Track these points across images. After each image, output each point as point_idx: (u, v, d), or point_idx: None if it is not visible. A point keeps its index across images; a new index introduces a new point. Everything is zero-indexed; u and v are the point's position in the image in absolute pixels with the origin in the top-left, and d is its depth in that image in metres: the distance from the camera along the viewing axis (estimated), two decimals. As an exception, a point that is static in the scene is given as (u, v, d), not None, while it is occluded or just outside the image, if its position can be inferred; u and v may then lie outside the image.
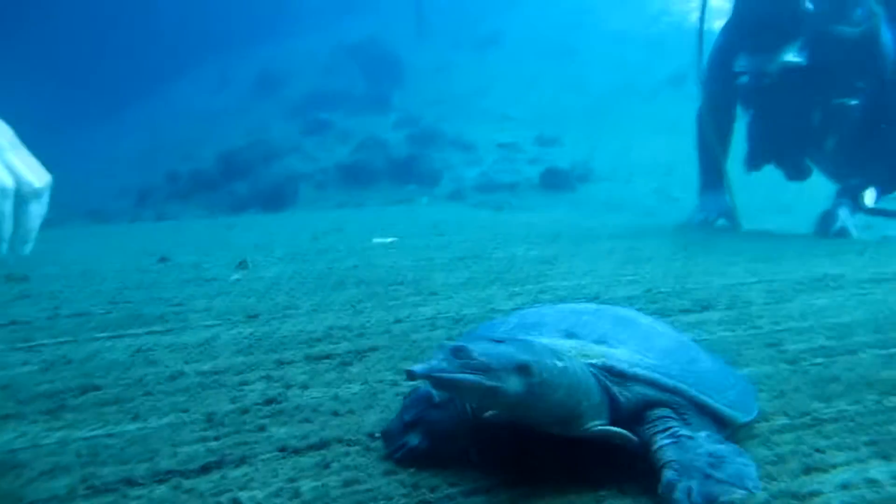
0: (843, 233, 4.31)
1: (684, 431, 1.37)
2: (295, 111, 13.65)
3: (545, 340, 1.44)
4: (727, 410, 1.48)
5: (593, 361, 1.41)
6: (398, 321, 2.50)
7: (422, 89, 14.10)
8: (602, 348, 1.46)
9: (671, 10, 17.70)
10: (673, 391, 1.42)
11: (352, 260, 3.82)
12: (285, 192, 9.62)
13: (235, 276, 3.43)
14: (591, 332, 1.51)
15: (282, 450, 1.50)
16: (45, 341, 2.37)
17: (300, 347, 2.21)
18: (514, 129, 11.79)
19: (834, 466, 1.44)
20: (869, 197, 4.32)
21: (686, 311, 2.59)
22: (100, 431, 1.62)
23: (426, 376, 1.19)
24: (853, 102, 4.25)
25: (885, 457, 1.49)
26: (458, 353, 1.22)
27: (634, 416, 1.40)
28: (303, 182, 10.04)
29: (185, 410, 1.73)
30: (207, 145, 12.38)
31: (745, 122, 4.87)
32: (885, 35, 4.13)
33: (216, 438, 1.56)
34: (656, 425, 1.38)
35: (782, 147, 4.75)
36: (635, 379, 1.41)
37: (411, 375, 1.18)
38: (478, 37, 17.15)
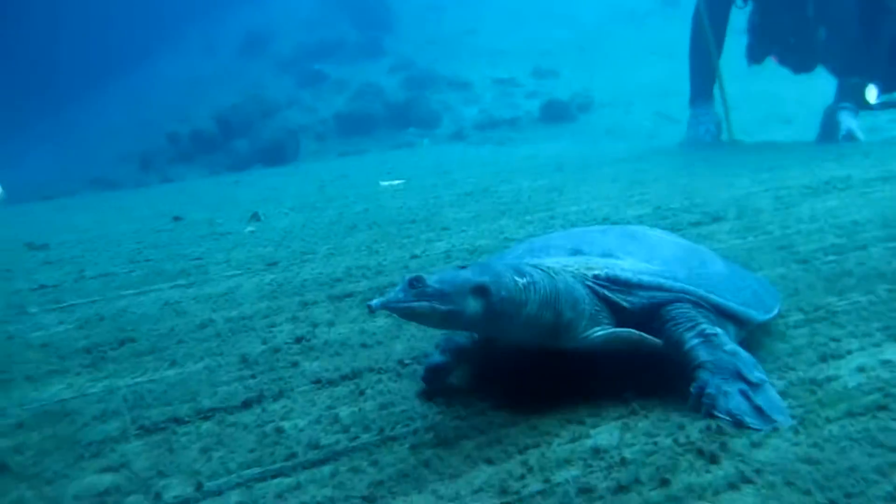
0: (849, 136, 4.29)
1: (710, 329, 1.42)
2: (287, 66, 13.51)
3: (550, 261, 1.50)
4: (740, 308, 1.52)
5: (597, 273, 1.47)
6: (414, 257, 2.55)
7: (413, 32, 13.93)
8: (607, 261, 1.52)
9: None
10: (681, 292, 1.47)
11: (361, 204, 3.86)
12: (286, 145, 9.60)
13: (249, 229, 3.47)
14: (596, 248, 1.57)
15: (316, 382, 1.56)
16: (75, 301, 2.43)
17: (322, 289, 2.27)
18: (509, 65, 11.67)
19: (849, 352, 1.49)
20: (871, 94, 4.29)
21: (696, 224, 2.63)
22: (141, 378, 1.69)
23: (384, 308, 1.25)
24: None
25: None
26: (414, 283, 1.28)
27: (648, 318, 1.45)
28: (303, 134, 10.01)
29: (219, 354, 1.79)
30: (202, 107, 12.31)
31: (744, 17, 4.86)
32: None
33: (252, 377, 1.62)
34: (681, 323, 1.43)
35: (783, 36, 4.74)
36: (640, 286, 1.47)
37: (370, 309, 1.25)
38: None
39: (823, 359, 1.48)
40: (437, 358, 1.52)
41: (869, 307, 1.72)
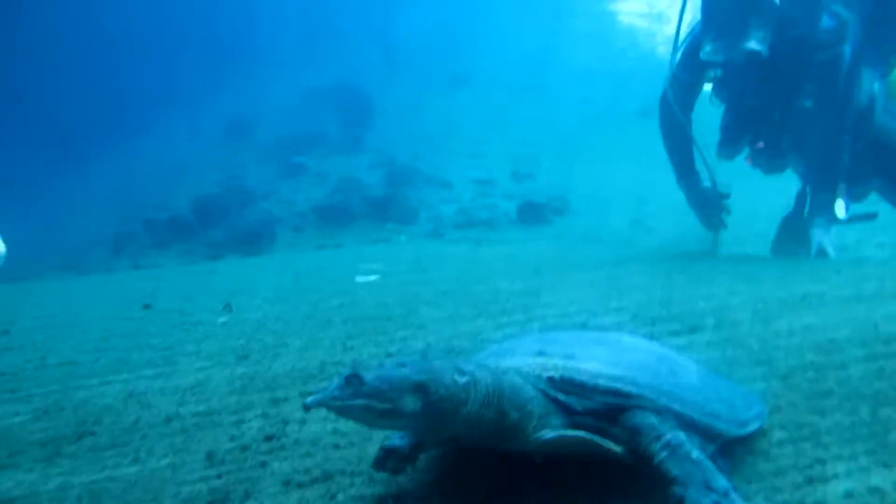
0: (821, 253, 4.35)
1: (674, 439, 1.39)
2: (268, 156, 13.65)
3: (510, 362, 1.49)
4: (705, 419, 1.48)
5: (551, 374, 1.46)
6: (389, 355, 2.50)
7: (395, 129, 14.21)
8: (567, 362, 1.49)
9: (638, 45, 18.05)
10: (638, 397, 1.44)
11: (336, 299, 3.81)
12: (262, 235, 9.58)
13: (222, 320, 3.40)
14: (560, 350, 1.55)
15: (286, 483, 1.49)
16: (34, 391, 2.34)
17: (294, 384, 2.20)
18: (488, 166, 11.89)
19: (836, 476, 1.46)
20: (840, 209, 4.38)
21: (675, 334, 2.62)
22: (99, 475, 1.60)
23: (319, 405, 1.25)
24: (807, 104, 4.35)
25: (887, 465, 1.51)
26: (350, 380, 1.28)
27: (608, 423, 1.42)
28: (280, 225, 10.02)
29: (185, 451, 1.71)
30: (181, 193, 12.31)
31: (718, 113, 4.97)
32: (846, 48, 4.24)
33: (218, 476, 1.55)
34: (644, 434, 1.40)
35: (752, 139, 4.83)
36: (595, 389, 1.44)
37: (305, 408, 1.26)
38: (447, 76, 17.34)
39: (810, 482, 1.44)
40: (395, 441, 1.47)
41: (853, 429, 1.70)
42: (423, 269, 4.91)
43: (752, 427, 1.59)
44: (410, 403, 1.27)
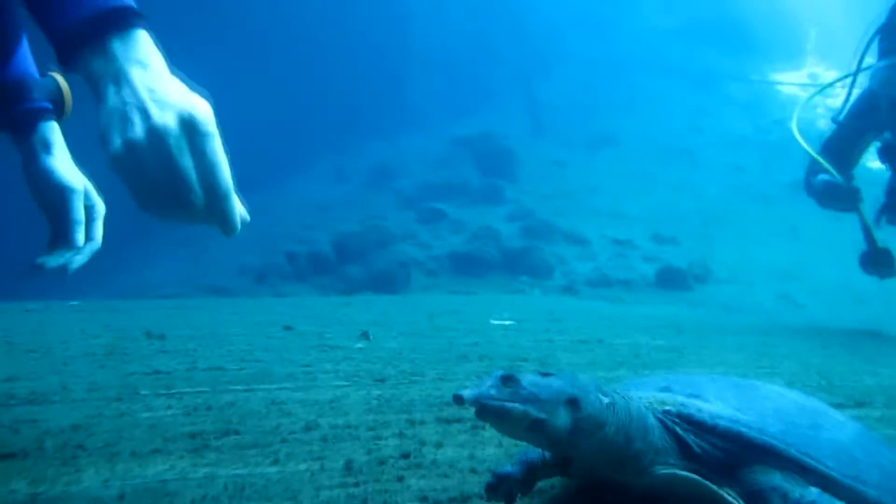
0: None
1: (808, 496, 1.23)
2: (409, 201, 14.00)
3: (636, 393, 1.38)
4: (847, 481, 1.27)
5: (668, 408, 1.33)
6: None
7: (535, 183, 14.25)
8: (689, 400, 1.36)
9: (792, 116, 17.43)
10: (762, 446, 1.27)
11: (471, 338, 3.81)
12: (397, 276, 9.79)
13: (359, 345, 3.46)
14: (686, 389, 1.42)
15: (423, 499, 1.47)
16: (185, 390, 2.44)
17: (430, 410, 2.19)
18: (628, 227, 11.69)
19: None
20: None
21: (837, 406, 2.41)
22: (242, 471, 1.64)
23: (474, 402, 1.14)
24: None
25: None
26: (507, 381, 1.17)
27: (727, 474, 1.26)
28: (415, 268, 10.21)
29: (322, 458, 1.72)
30: (322, 231, 12.80)
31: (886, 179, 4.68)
32: None
33: (356, 485, 1.55)
34: (766, 492, 1.23)
35: None
36: (713, 430, 1.29)
37: (458, 400, 1.14)
38: (591, 136, 17.31)
39: None
40: (507, 467, 1.40)
41: None
42: (557, 320, 4.84)
43: None
44: (563, 418, 1.18)
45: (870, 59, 4.66)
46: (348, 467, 1.65)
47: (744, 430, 1.29)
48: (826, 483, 1.26)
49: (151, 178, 1.21)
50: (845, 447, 1.37)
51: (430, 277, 10.13)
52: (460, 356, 3.19)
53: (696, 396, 1.38)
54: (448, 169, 15.16)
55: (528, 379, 1.20)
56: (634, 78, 21.48)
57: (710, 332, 4.37)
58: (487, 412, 1.16)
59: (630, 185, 14.11)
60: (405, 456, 1.74)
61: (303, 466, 1.67)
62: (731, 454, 1.27)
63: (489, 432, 1.98)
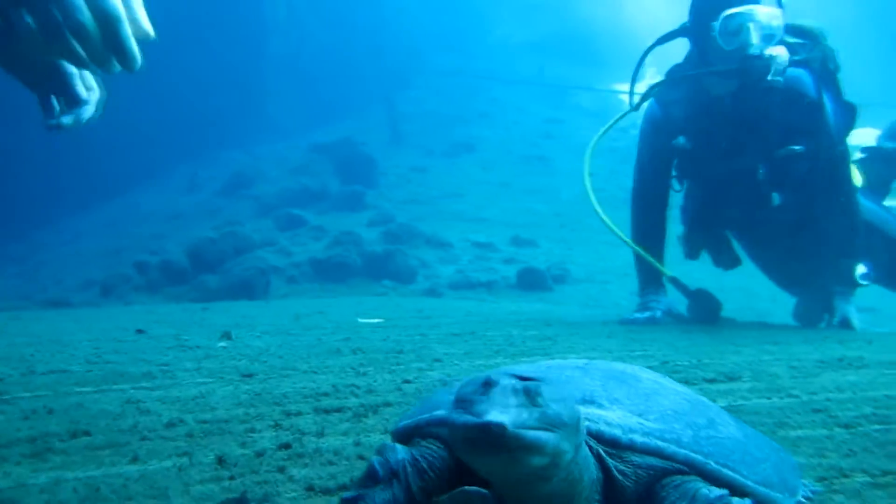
0: (845, 324, 4.22)
1: (717, 492, 1.14)
2: (268, 209, 13.56)
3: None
4: (762, 490, 1.19)
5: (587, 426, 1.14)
6: (407, 381, 2.33)
7: (395, 190, 14.19)
8: (588, 410, 1.18)
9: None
10: (684, 463, 1.14)
11: (341, 334, 3.65)
12: (257, 284, 9.40)
13: (222, 344, 3.23)
14: (575, 391, 1.23)
15: (309, 489, 1.32)
16: (21, 395, 2.15)
17: (307, 401, 2.03)
18: (488, 231, 11.82)
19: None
20: (861, 275, 4.27)
21: (711, 381, 2.46)
22: (96, 472, 1.42)
23: (503, 433, 0.90)
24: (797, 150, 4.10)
25: None
26: (531, 395, 0.96)
27: (643, 495, 1.13)
28: (275, 275, 9.85)
29: (190, 454, 1.53)
30: (175, 241, 12.19)
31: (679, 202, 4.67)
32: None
33: (231, 478, 1.37)
34: (678, 495, 1.12)
35: (724, 222, 4.56)
36: (631, 448, 1.14)
37: (484, 431, 0.89)
38: (450, 144, 17.44)
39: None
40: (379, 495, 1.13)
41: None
42: (427, 317, 4.76)
43: (799, 494, 1.30)
44: (570, 445, 0.98)
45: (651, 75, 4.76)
46: (221, 461, 1.47)
47: (663, 445, 1.16)
48: (740, 492, 1.17)
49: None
50: (742, 444, 1.30)
51: (291, 284, 9.81)
52: (332, 350, 3.03)
53: (590, 402, 1.21)
54: (307, 176, 14.81)
55: (547, 390, 0.98)
56: (490, 89, 21.90)
57: (577, 324, 4.41)
58: (523, 448, 0.93)
59: (489, 191, 14.31)
60: (285, 447, 1.58)
61: (168, 463, 1.47)
62: (650, 472, 1.14)
63: (372, 420, 1.85)
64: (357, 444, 1.61)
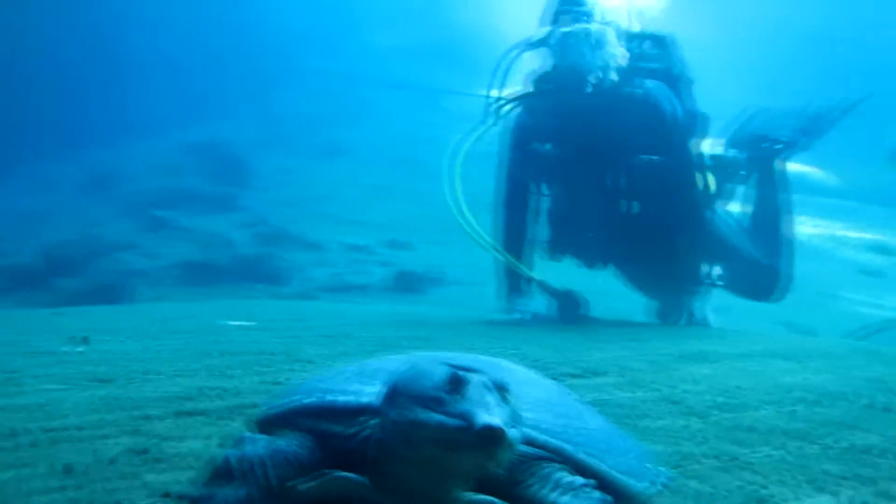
0: (702, 322, 4.44)
1: (577, 480, 1.16)
2: (132, 210, 12.93)
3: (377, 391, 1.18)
4: (623, 479, 1.23)
5: None
6: (277, 383, 2.25)
7: (268, 192, 13.88)
8: None
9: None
10: (554, 452, 1.17)
11: (210, 337, 3.49)
12: (118, 288, 8.93)
13: (78, 349, 3.02)
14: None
15: (165, 495, 1.23)
16: None
17: (168, 404, 1.92)
18: (363, 233, 11.73)
19: (785, 500, 1.36)
20: (715, 273, 4.51)
21: (577, 377, 2.51)
22: (-82, 485, 1.27)
23: (503, 436, 0.95)
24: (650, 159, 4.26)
25: (831, 492, 1.43)
26: (503, 393, 1.03)
27: (510, 482, 1.14)
28: (140, 279, 9.40)
29: (33, 464, 1.40)
30: (25, 243, 11.40)
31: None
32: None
33: (79, 487, 1.26)
34: (545, 482, 1.15)
35: (586, 227, 4.66)
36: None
37: (484, 434, 0.94)
38: (323, 146, 17.24)
39: (759, 502, 1.33)
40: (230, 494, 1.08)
41: (784, 460, 1.61)
42: (300, 319, 4.64)
43: (659, 482, 1.33)
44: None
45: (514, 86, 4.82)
46: (68, 470, 1.36)
47: (534, 434, 1.18)
48: (602, 481, 1.20)
49: None
50: (606, 435, 1.34)
51: (157, 288, 9.37)
52: (199, 353, 2.88)
53: None
54: (175, 176, 14.27)
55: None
56: (363, 92, 21.81)
57: (451, 324, 4.43)
58: (507, 447, 0.98)
59: (364, 194, 14.22)
60: (141, 452, 1.47)
61: (8, 474, 1.34)
62: (519, 456, 1.14)
63: (238, 423, 1.76)
64: (221, 446, 1.52)
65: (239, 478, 1.09)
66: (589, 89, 4.08)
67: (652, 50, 4.43)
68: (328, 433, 1.16)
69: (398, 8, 26.71)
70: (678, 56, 4.42)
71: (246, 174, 14.63)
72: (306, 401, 1.22)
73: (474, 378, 1.02)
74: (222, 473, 1.10)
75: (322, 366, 2.62)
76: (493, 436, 0.95)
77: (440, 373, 1.04)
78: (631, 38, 4.33)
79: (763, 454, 1.64)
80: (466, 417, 0.97)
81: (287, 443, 1.15)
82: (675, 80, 4.35)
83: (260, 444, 1.14)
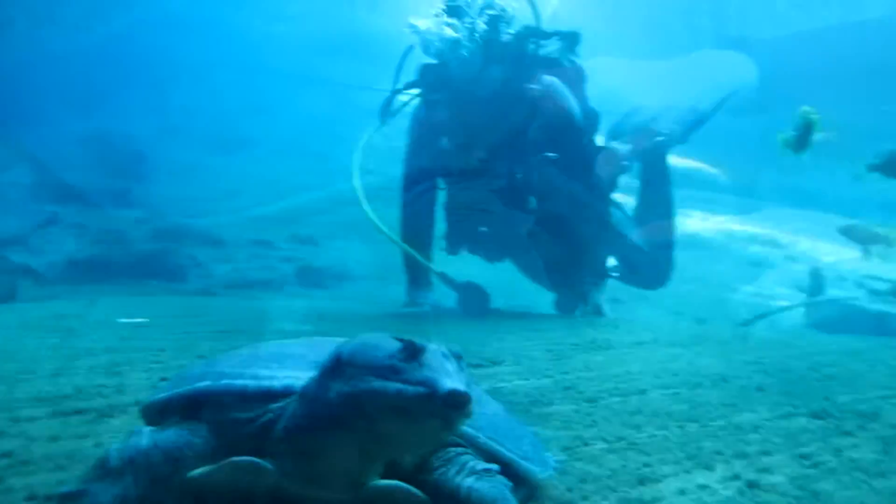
0: (597, 312, 4.54)
1: (480, 464, 1.18)
2: (14, 204, 12.29)
3: (289, 374, 1.18)
4: (523, 464, 1.26)
5: None
6: (164, 379, 2.17)
7: (166, 186, 13.45)
8: None
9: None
10: (458, 436, 1.19)
11: (96, 335, 3.34)
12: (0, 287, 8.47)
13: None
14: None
15: (31, 498, 1.16)
16: None
17: (42, 405, 1.82)
18: (266, 228, 11.51)
19: (665, 476, 1.40)
20: (609, 264, 4.63)
21: (477, 366, 2.53)
22: None
23: (468, 401, 0.96)
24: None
25: (707, 467, 1.48)
26: (459, 361, 1.06)
27: (417, 467, 1.16)
28: (24, 278, 8.93)
29: None
30: None
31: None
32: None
33: (-71, 495, 1.18)
34: (450, 466, 1.16)
35: (482, 222, 4.69)
36: None
37: (451, 399, 0.95)
38: (225, 139, 16.83)
39: (642, 482, 1.37)
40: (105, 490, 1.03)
41: (668, 440, 1.67)
42: (196, 315, 4.51)
43: (551, 467, 1.36)
44: None
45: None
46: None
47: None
48: (503, 462, 1.23)
49: None
50: (505, 421, 1.37)
51: (44, 286, 8.93)
52: (83, 351, 2.75)
53: None
54: (68, 170, 13.62)
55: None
56: (266, 84, 21.38)
57: (353, 319, 4.41)
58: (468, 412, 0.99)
59: (266, 188, 13.96)
60: (6, 455, 1.39)
61: None
62: None
63: (119, 421, 1.69)
64: (97, 445, 1.46)
65: (116, 473, 1.04)
66: (461, 85, 4.15)
67: (551, 46, 4.50)
68: (227, 420, 1.12)
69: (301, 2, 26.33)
70: (576, 53, 4.50)
71: (144, 168, 14.12)
72: (200, 386, 1.17)
73: (430, 346, 1.03)
74: (101, 469, 1.05)
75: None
76: (459, 401, 0.95)
77: (391, 343, 1.02)
78: (529, 35, 4.38)
79: (647, 434, 1.69)
80: (429, 384, 0.95)
81: (176, 432, 1.11)
82: (572, 75, 4.43)
83: (144, 436, 1.09)
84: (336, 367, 1.04)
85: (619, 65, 5.37)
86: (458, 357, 1.04)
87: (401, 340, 1.04)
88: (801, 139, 3.92)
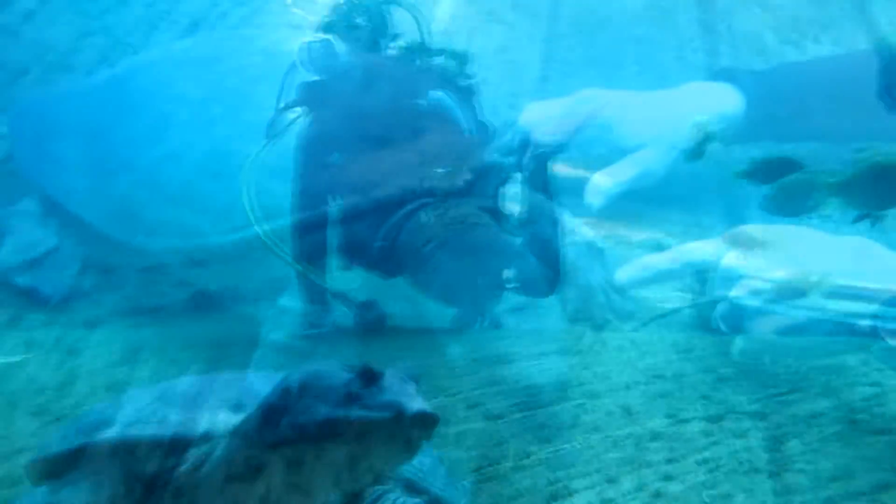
0: (497, 325, 4.57)
1: (412, 500, 1.18)
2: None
3: (208, 416, 1.12)
4: (445, 496, 1.26)
5: None
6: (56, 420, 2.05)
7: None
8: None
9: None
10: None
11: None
12: None
13: None
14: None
15: None
16: None
17: None
18: (157, 252, 11.08)
19: (576, 491, 1.42)
20: (506, 275, 4.68)
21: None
22: None
23: (436, 423, 0.96)
24: None
25: (611, 481, 1.51)
26: (417, 382, 1.07)
27: None
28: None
29: None
30: None
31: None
32: None
33: None
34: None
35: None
36: None
37: (420, 420, 0.96)
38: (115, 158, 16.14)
39: (553, 498, 1.39)
40: None
41: (577, 453, 1.70)
42: (82, 349, 4.28)
43: (464, 492, 1.39)
44: None
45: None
46: None
47: None
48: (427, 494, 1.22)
49: None
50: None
51: None
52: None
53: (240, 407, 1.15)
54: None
55: None
56: (150, 102, 20.67)
57: (253, 343, 4.28)
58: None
59: (157, 208, 13.45)
60: None
61: None
62: None
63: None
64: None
65: None
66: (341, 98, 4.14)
67: (443, 63, 4.53)
68: (139, 472, 1.03)
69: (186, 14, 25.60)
70: (465, 66, 4.55)
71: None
72: (107, 436, 1.07)
73: (388, 370, 1.03)
74: None
75: (109, 396, 2.42)
76: (427, 422, 0.96)
77: (343, 372, 1.00)
78: (415, 51, 4.40)
79: (553, 449, 1.72)
80: (394, 408, 0.92)
81: (72, 492, 1.02)
82: (463, 91, 4.47)
83: (38, 498, 1.00)
84: (284, 402, 0.99)
85: (609, 96, 5.58)
86: (415, 379, 1.03)
87: (354, 367, 1.01)
88: (696, 150, 4.10)
